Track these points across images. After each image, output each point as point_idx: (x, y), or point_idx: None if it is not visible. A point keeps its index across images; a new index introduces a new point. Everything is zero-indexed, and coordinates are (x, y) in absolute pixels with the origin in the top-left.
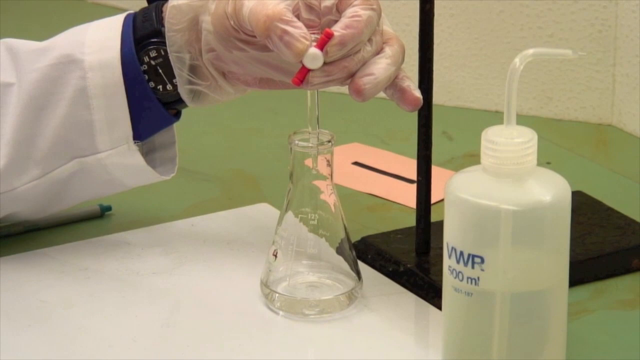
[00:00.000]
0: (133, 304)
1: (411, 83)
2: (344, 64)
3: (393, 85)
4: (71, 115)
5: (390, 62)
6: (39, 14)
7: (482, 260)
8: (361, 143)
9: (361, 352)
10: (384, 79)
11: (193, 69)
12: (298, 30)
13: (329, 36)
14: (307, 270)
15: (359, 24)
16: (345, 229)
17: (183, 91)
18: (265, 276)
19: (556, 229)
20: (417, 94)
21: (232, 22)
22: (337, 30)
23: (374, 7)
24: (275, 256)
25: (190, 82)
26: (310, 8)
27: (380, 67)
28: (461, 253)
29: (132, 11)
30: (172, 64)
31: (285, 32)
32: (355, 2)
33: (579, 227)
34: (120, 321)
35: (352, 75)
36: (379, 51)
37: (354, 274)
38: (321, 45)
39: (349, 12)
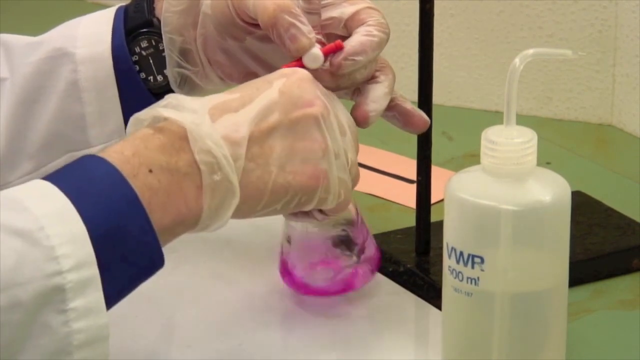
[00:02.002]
0: (133, 304)
1: (412, 104)
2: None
3: (393, 108)
4: (63, 109)
5: (387, 91)
6: (38, 13)
7: (482, 261)
8: (361, 143)
9: (361, 352)
10: (384, 107)
11: (183, 53)
12: (305, 27)
13: (338, 48)
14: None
15: (372, 44)
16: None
17: (171, 74)
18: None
19: (556, 229)
20: (425, 116)
21: (231, 7)
22: (351, 45)
23: (387, 31)
24: (289, 242)
25: (179, 66)
26: (308, 14)
27: (379, 96)
28: (461, 253)
29: (124, 4)
30: (164, 45)
31: (293, 25)
32: (370, 22)
33: (579, 227)
34: (120, 321)
35: (334, 90)
36: (369, 76)
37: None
38: (326, 52)
39: (363, 30)
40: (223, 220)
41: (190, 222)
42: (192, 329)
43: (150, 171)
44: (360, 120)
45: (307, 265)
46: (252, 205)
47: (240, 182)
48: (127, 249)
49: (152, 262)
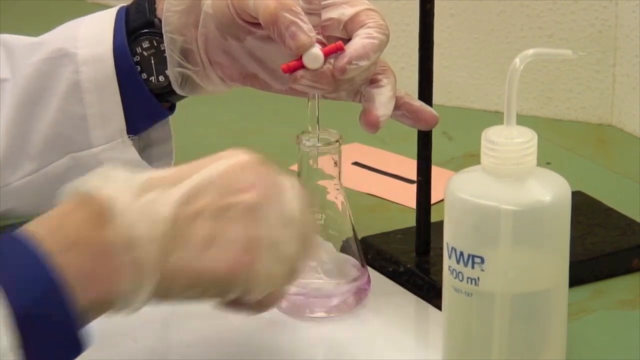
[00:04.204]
0: None
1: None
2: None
3: (401, 106)
4: (65, 110)
5: (392, 94)
6: (38, 13)
7: (482, 261)
8: (361, 143)
9: (361, 352)
10: (392, 111)
11: (184, 52)
12: (305, 25)
13: (339, 48)
14: (314, 271)
15: (373, 47)
16: (353, 228)
17: (172, 74)
18: None
19: (556, 229)
20: (434, 111)
21: (231, 7)
22: (354, 48)
23: (387, 32)
24: None
25: (180, 65)
26: (309, 14)
27: (386, 100)
28: (461, 253)
29: (125, 4)
30: (165, 45)
31: (294, 22)
32: (370, 24)
33: (579, 227)
34: (120, 321)
35: (333, 91)
36: (369, 78)
37: (359, 273)
38: (327, 52)
39: (364, 32)
40: (139, 301)
41: (108, 301)
42: (192, 329)
43: (71, 248)
44: (371, 126)
45: None
46: (167, 287)
47: (157, 264)
48: (46, 332)
49: (73, 345)
